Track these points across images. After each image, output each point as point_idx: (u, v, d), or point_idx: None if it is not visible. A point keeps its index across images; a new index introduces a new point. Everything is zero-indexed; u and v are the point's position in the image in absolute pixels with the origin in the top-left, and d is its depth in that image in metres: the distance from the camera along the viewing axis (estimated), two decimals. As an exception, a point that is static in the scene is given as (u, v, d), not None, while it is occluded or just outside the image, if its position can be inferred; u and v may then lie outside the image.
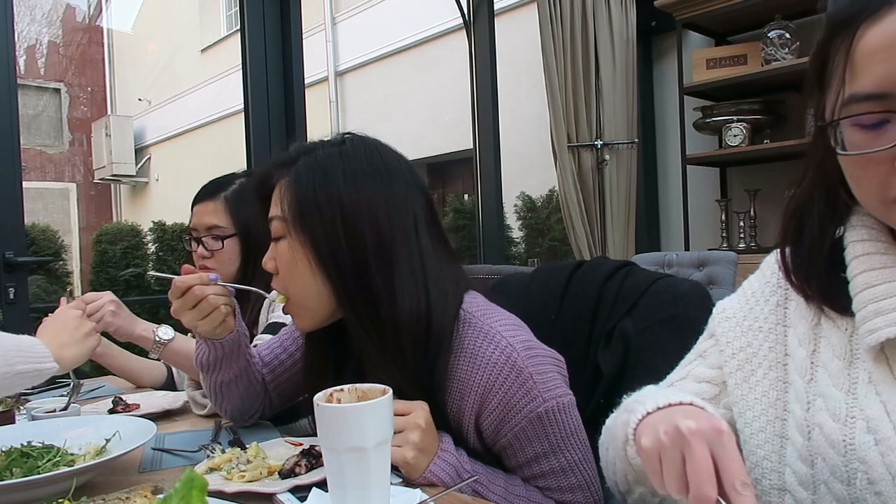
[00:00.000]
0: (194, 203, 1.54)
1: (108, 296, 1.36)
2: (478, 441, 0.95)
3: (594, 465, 0.94)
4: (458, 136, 4.98)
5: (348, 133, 0.99)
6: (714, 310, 0.80)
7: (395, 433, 0.83)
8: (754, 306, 0.77)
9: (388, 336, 0.91)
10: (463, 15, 3.62)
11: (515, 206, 5.10)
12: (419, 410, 0.89)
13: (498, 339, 0.91)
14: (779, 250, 0.75)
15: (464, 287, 0.99)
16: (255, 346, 1.22)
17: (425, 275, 0.93)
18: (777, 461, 0.70)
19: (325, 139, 0.99)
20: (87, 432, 1.03)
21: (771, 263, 0.77)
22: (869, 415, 0.62)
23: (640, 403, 0.67)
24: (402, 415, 0.88)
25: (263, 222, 1.01)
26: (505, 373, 0.89)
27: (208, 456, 0.98)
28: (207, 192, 1.53)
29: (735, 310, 0.78)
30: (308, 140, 1.02)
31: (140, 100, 10.66)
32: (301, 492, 0.83)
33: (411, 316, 0.91)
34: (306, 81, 3.00)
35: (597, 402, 1.05)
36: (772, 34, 2.89)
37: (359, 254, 0.90)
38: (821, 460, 0.65)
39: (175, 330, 1.35)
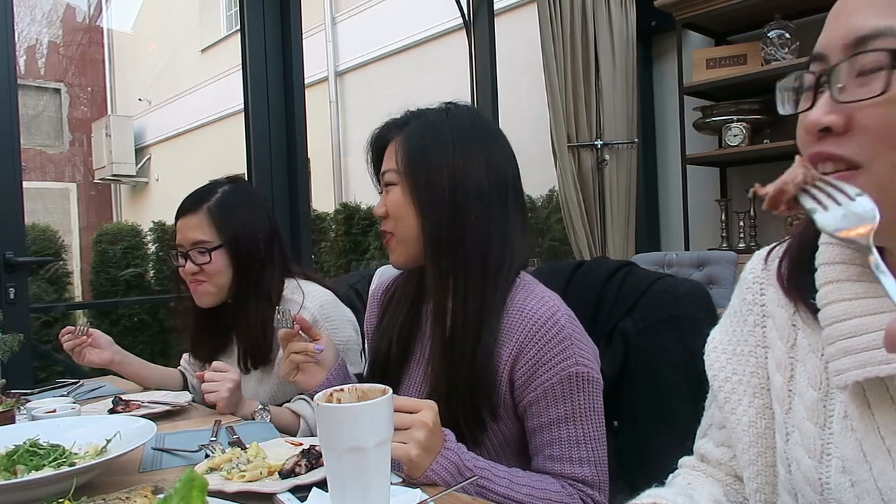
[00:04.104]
0: (177, 217, 1.50)
1: (233, 373, 1.35)
2: (508, 393, 1.00)
3: (606, 449, 0.99)
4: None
5: (450, 102, 1.10)
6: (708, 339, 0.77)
7: (401, 430, 0.85)
8: (736, 328, 0.73)
9: (458, 281, 1.01)
10: (463, 15, 3.62)
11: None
12: (427, 410, 0.89)
13: (546, 300, 1.00)
14: (757, 255, 0.72)
15: (526, 260, 1.09)
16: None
17: (506, 236, 1.03)
18: (770, 493, 0.68)
19: (430, 107, 1.09)
20: (87, 432, 1.03)
21: (747, 279, 0.73)
22: (844, 454, 0.59)
23: None
24: (411, 412, 0.88)
25: (374, 176, 1.12)
26: (547, 326, 0.97)
27: (208, 456, 0.98)
28: (189, 206, 1.48)
29: (720, 337, 0.75)
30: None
31: (140, 100, 10.65)
32: (301, 492, 0.83)
33: (483, 267, 1.01)
34: (306, 81, 3.00)
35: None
36: (772, 34, 2.90)
37: (459, 203, 1.01)
38: (801, 496, 0.63)
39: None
